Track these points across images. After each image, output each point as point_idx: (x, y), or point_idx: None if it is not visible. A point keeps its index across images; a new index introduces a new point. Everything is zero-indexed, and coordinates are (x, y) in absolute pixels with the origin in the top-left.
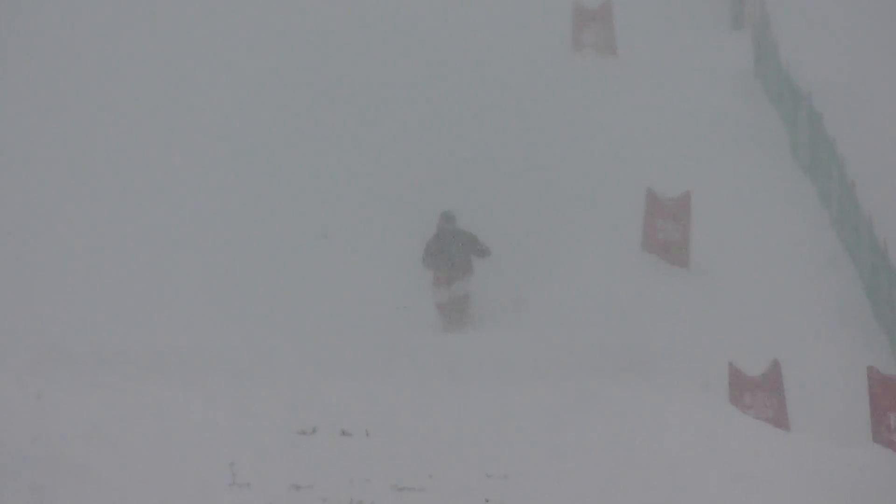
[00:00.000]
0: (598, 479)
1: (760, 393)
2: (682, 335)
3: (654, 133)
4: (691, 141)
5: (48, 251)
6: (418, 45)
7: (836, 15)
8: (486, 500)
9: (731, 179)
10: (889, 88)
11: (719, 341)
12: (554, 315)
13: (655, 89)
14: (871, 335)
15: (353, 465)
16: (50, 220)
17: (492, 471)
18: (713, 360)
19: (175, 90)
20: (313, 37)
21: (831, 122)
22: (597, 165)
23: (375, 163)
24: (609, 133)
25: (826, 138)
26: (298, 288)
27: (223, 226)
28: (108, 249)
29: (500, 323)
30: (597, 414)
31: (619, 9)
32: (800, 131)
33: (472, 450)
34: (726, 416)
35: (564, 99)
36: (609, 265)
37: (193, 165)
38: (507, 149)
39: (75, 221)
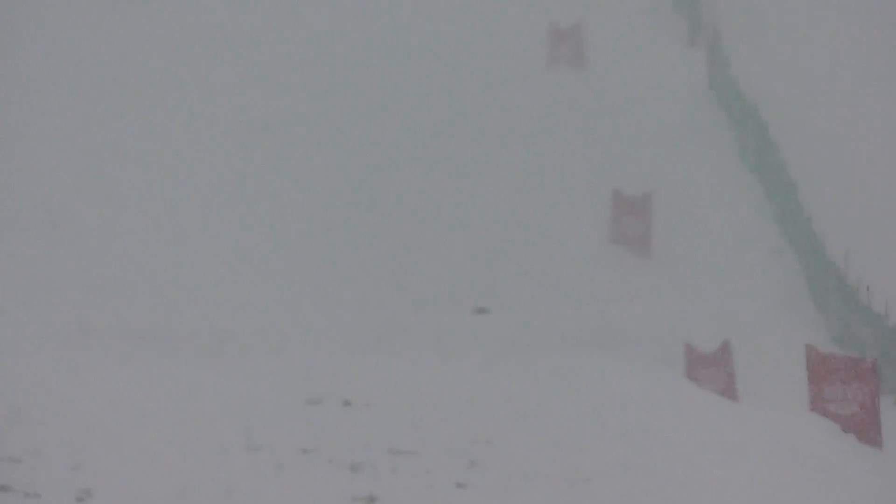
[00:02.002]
0: (571, 444)
1: (713, 368)
2: (643, 317)
3: (619, 138)
4: (652, 144)
5: (79, 240)
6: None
7: (782, 35)
8: (472, 462)
9: (687, 179)
10: (829, 100)
11: (677, 322)
12: (531, 299)
13: (621, 99)
14: (810, 317)
15: (355, 432)
16: (81, 211)
17: (477, 436)
18: (671, 339)
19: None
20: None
21: (776, 128)
22: (568, 165)
23: (371, 168)
24: (579, 137)
25: (771, 144)
26: (303, 272)
27: (230, 218)
28: (132, 239)
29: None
30: (569, 387)
31: (590, 29)
32: (748, 137)
33: (460, 418)
34: (683, 389)
35: (539, 107)
36: (581, 255)
37: (207, 158)
38: (493, 149)
39: (104, 213)
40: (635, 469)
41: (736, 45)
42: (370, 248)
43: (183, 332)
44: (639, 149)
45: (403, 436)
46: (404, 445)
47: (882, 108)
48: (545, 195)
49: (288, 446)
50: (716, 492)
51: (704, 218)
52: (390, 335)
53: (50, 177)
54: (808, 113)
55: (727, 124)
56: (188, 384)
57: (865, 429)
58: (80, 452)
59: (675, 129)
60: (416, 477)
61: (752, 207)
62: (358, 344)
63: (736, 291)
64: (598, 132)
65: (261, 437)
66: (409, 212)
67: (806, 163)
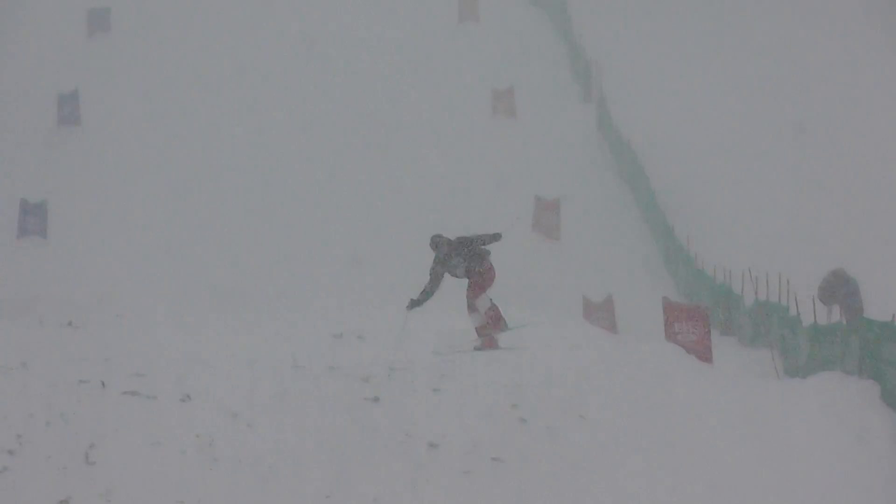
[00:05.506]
0: (508, 363)
1: (601, 312)
2: (555, 280)
3: (539, 162)
4: (560, 166)
5: (196, 250)
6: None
7: (644, 93)
8: (443, 375)
9: (583, 189)
10: (677, 134)
11: (577, 282)
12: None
13: (539, 137)
14: (665, 279)
15: (365, 355)
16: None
17: (445, 357)
18: (574, 293)
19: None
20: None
21: (642, 155)
22: (505, 180)
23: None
24: (513, 161)
25: (639, 166)
26: (336, 277)
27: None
28: (238, 252)
29: None
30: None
31: (517, 92)
32: (623, 161)
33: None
34: (581, 327)
35: (487, 142)
36: (512, 239)
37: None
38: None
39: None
40: (545, 377)
41: (615, 101)
42: (386, 277)
43: (250, 293)
44: (551, 168)
45: (397, 358)
46: (398, 364)
47: (713, 133)
48: (490, 199)
49: (320, 365)
50: (600, 391)
51: (595, 214)
52: (385, 292)
53: None
54: (663, 143)
55: (609, 153)
56: (255, 327)
57: (701, 352)
58: (183, 370)
59: (575, 156)
60: (405, 385)
61: (626, 206)
62: (366, 299)
63: (616, 262)
64: (525, 158)
65: (303, 359)
66: (400, 225)
67: (662, 176)
